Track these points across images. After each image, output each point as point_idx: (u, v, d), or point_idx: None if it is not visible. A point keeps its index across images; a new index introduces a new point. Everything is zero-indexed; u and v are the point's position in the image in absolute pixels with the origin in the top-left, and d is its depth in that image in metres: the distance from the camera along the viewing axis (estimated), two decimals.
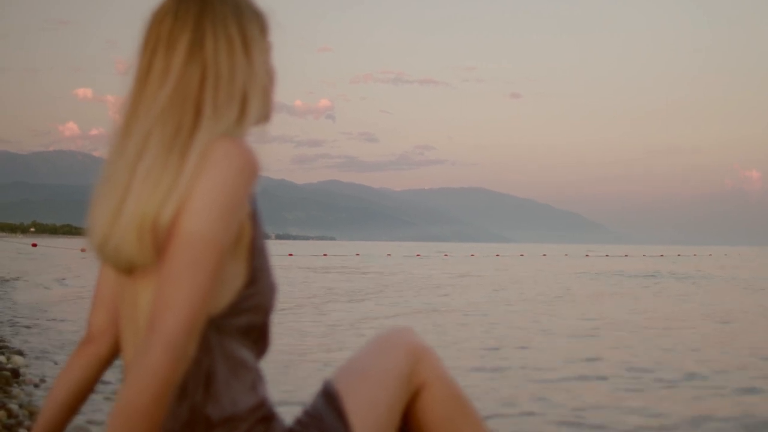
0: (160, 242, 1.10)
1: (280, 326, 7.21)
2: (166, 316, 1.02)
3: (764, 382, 4.85)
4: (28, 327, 7.37)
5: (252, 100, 1.19)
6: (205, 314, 1.06)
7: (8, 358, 4.83)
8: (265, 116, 1.25)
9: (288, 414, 1.35)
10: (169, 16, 1.18)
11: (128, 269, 1.16)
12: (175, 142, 1.11)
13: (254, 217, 1.18)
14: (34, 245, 45.47)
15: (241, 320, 1.17)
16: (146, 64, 1.17)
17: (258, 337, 1.22)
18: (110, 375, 3.85)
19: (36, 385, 4.21)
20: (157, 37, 1.18)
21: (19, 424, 3.17)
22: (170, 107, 1.13)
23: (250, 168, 1.10)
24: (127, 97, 1.18)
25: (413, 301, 11.49)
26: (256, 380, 1.20)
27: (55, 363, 5.20)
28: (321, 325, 7.97)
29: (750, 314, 9.96)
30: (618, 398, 4.34)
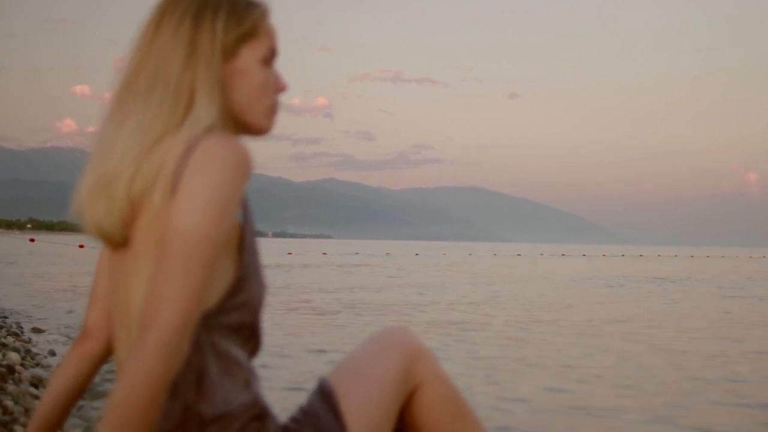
0: (126, 213, 1.13)
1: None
2: (159, 312, 1.01)
3: None
4: (26, 322, 7.35)
5: (198, 101, 1.16)
6: (199, 311, 1.06)
7: (3, 355, 4.82)
8: (235, 125, 1.23)
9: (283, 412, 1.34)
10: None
11: (107, 241, 1.17)
12: (142, 123, 1.14)
13: (245, 215, 1.18)
14: (32, 240, 46.50)
15: (231, 318, 1.17)
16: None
17: (249, 336, 1.22)
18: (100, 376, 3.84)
19: (32, 382, 4.20)
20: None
21: (15, 420, 3.16)
22: (130, 89, 1.18)
23: (244, 165, 1.10)
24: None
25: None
26: (249, 378, 1.20)
27: (53, 357, 5.19)
28: None
29: None
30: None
